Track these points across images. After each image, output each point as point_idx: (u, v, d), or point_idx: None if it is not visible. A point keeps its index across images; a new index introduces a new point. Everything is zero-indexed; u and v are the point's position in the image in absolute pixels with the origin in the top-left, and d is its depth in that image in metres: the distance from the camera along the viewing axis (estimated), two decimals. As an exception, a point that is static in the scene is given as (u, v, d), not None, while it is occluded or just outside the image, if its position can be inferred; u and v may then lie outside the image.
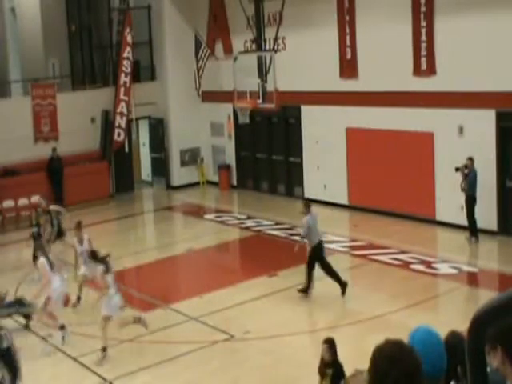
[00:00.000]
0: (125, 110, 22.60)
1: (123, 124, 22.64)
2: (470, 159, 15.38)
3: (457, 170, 15.42)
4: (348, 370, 8.31)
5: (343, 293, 12.80)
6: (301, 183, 20.74)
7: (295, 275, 14.16)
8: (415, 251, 15.18)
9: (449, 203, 16.36)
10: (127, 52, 22.51)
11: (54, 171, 21.06)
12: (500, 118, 15.50)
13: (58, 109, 21.83)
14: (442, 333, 3.72)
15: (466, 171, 15.35)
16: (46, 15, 24.45)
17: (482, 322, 3.25)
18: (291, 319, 12.21)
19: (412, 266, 14.36)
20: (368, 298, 12.95)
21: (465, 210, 15.59)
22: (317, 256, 12.92)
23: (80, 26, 25.02)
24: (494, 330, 3.01)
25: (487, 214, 15.68)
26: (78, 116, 22.06)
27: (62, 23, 24.72)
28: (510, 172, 15.69)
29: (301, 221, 13.15)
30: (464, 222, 15.71)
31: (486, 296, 11.11)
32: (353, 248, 16.04)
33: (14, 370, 8.74)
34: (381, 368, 3.02)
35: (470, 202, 15.45)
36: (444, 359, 3.42)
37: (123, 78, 22.52)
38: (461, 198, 15.57)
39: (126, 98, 22.54)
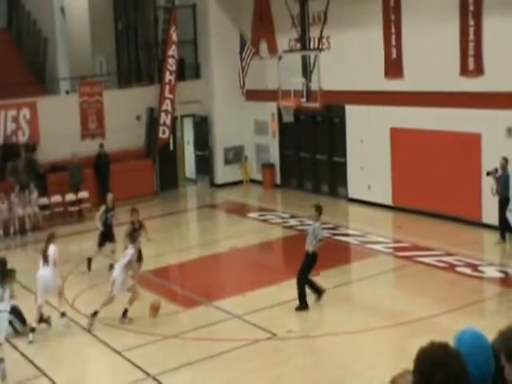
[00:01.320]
0: (169, 108, 22.80)
1: (168, 122, 22.84)
2: (505, 159, 15.17)
3: (488, 174, 15.24)
4: (390, 372, 8.22)
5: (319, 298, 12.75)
6: (344, 183, 20.65)
7: (337, 275, 14.13)
8: (461, 253, 14.98)
9: (495, 205, 16.08)
10: (172, 50, 22.70)
11: (101, 167, 21.34)
12: (549, 119, 15.22)
13: (104, 106, 22.14)
14: (488, 338, 3.66)
15: (498, 174, 15.12)
16: (93, 14, 24.87)
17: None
18: (334, 319, 12.17)
19: (457, 269, 14.18)
20: (412, 300, 12.82)
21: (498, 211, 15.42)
22: (314, 263, 12.60)
23: (126, 24, 25.35)
24: None
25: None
26: (124, 113, 22.33)
27: (109, 22, 25.11)
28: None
29: (314, 226, 12.63)
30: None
31: (533, 300, 10.91)
32: (397, 249, 15.90)
33: None
34: (425, 370, 3.01)
35: (504, 203, 15.25)
36: (491, 362, 3.35)
37: (168, 76, 22.72)
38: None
39: (170, 96, 22.73)
